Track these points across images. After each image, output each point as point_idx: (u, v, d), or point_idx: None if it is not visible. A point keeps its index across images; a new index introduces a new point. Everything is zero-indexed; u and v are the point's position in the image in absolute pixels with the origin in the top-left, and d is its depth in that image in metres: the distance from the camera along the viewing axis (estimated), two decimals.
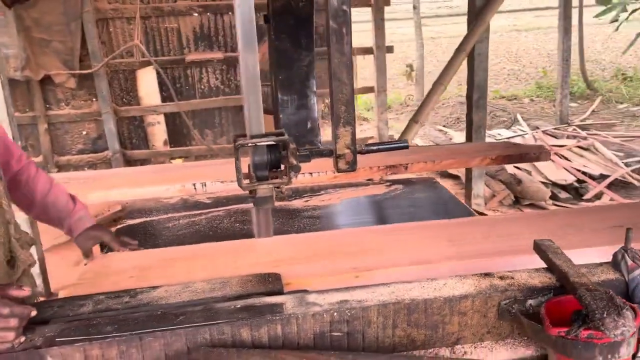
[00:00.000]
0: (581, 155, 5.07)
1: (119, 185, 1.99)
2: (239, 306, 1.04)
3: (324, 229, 1.82)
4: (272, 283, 1.20)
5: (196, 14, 5.26)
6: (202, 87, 5.48)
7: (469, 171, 3.97)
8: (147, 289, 1.16)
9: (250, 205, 2.09)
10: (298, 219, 1.92)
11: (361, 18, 6.82)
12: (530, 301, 1.07)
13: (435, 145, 2.66)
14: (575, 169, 4.69)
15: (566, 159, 4.93)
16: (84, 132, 5.32)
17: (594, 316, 0.92)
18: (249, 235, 1.78)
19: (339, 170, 1.51)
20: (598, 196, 4.28)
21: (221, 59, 5.34)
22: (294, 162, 1.44)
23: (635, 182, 4.39)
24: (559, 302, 1.05)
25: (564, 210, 1.97)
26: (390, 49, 5.67)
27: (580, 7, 8.12)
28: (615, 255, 1.12)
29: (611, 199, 4.17)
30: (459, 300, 1.05)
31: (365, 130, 6.72)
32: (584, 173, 4.61)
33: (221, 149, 5.38)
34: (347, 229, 1.71)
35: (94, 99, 5.17)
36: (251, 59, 1.43)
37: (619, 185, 4.37)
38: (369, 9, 5.68)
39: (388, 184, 2.14)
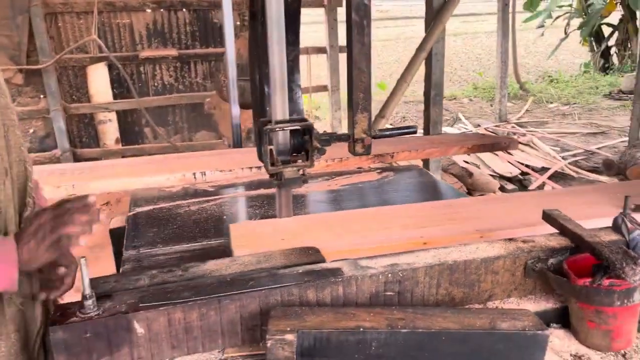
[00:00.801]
0: (522, 151, 5.45)
1: (120, 175, 1.99)
2: (300, 271, 1.12)
3: (335, 210, 1.92)
4: (313, 255, 1.28)
5: (149, 10, 5.18)
6: (156, 84, 5.39)
7: (426, 165, 4.20)
8: (196, 264, 1.21)
9: (255, 191, 2.16)
10: (307, 203, 2.00)
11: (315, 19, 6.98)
12: (551, 260, 1.23)
13: (417, 136, 2.83)
14: (518, 162, 5.05)
15: (509, 153, 5.29)
16: (31, 130, 5.09)
17: (614, 266, 1.08)
18: (264, 216, 1.84)
19: (356, 154, 1.62)
20: (541, 187, 4.64)
21: (175, 56, 5.28)
22: (318, 145, 1.54)
23: (573, 174, 4.80)
24: (576, 260, 1.21)
25: (551, 192, 2.12)
26: (343, 49, 5.83)
27: (513, 13, 8.69)
28: (615, 219, 1.30)
29: (553, 188, 4.53)
30: (493, 261, 1.19)
31: (319, 129, 6.84)
32: (527, 166, 4.98)
33: (180, 146, 5.32)
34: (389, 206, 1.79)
35: (42, 96, 4.96)
36: (279, 50, 1.50)
37: (558, 177, 4.76)
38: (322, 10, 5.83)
39: (379, 171, 2.26)
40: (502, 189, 4.66)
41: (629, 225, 1.27)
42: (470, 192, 4.58)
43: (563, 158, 5.21)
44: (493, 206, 1.69)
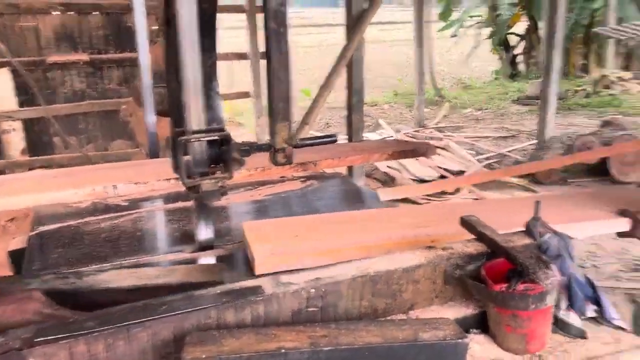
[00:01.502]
0: (440, 155, 5.64)
1: (22, 190, 1.82)
2: (218, 291, 1.07)
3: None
4: (215, 274, 1.22)
5: (57, 13, 4.87)
6: (66, 90, 5.08)
7: (350, 171, 4.24)
8: (92, 272, 1.13)
9: (174, 204, 2.05)
10: (230, 215, 1.93)
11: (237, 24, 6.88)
12: (469, 266, 1.25)
13: (340, 143, 2.83)
14: (437, 166, 5.22)
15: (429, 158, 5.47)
16: None
17: (528, 271, 1.12)
18: (182, 232, 1.75)
19: (277, 164, 1.58)
20: (458, 189, 4.81)
21: (87, 61, 5.00)
22: (237, 156, 1.48)
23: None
24: (493, 265, 1.24)
25: (474, 202, 2.22)
26: (264, 55, 5.78)
27: (429, 22, 9.03)
28: (528, 224, 1.35)
29: (470, 191, 4.72)
30: (414, 270, 1.19)
31: (242, 136, 6.74)
32: (445, 169, 5.15)
33: (94, 156, 5.03)
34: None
35: None
36: (193, 56, 1.43)
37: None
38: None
39: (302, 179, 2.24)
40: None
41: (541, 229, 1.32)
42: None
43: (478, 161, 5.44)
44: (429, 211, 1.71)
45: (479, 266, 1.24)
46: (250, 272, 1.32)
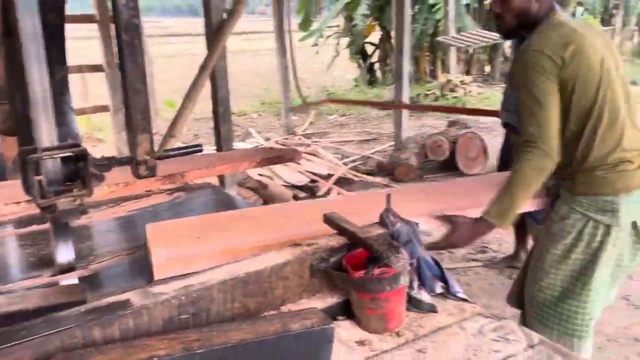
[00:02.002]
0: (309, 160, 5.86)
1: None
2: (83, 310, 1.04)
3: (123, 239, 1.81)
4: (77, 294, 1.19)
5: None
6: None
7: (222, 181, 4.24)
8: None
9: (26, 228, 1.90)
10: (92, 234, 1.85)
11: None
12: (332, 258, 1.35)
13: (208, 154, 2.82)
14: (307, 171, 5.41)
15: (298, 163, 5.64)
16: None
17: (382, 256, 1.24)
18: (38, 257, 1.64)
19: (140, 177, 1.55)
20: (328, 192, 5.04)
21: None
22: (96, 171, 1.43)
23: (354, 177, 5.32)
24: (353, 255, 1.35)
25: (337, 199, 2.34)
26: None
27: (289, 32, 9.29)
28: (381, 215, 1.49)
29: (339, 193, 4.96)
30: (282, 267, 1.26)
31: (103, 152, 6.37)
32: (314, 174, 5.36)
33: None
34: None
35: None
36: (39, 69, 1.36)
37: (342, 181, 5.22)
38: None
39: (169, 192, 2.21)
40: (296, 197, 4.94)
41: (392, 219, 1.46)
42: (266, 203, 4.75)
43: (344, 164, 5.74)
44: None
45: (341, 257, 1.34)
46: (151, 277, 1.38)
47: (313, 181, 5.24)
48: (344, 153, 6.28)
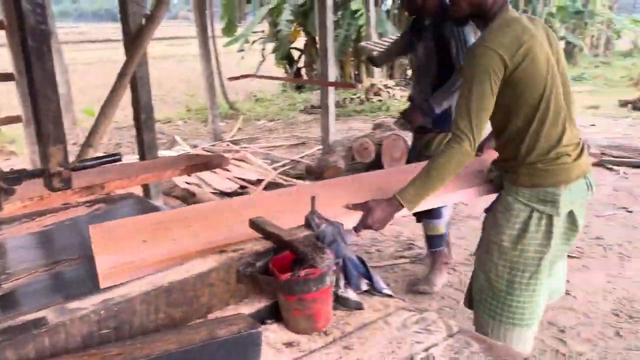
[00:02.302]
0: (238, 166, 5.81)
1: None
2: None
3: (39, 255, 1.71)
4: None
5: None
6: None
7: (146, 192, 4.12)
8: None
9: None
10: (4, 252, 1.74)
11: None
12: (259, 263, 1.35)
13: (130, 163, 2.73)
14: (236, 177, 5.36)
15: (227, 169, 5.58)
16: None
17: (307, 258, 1.26)
18: None
19: (54, 190, 1.48)
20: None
21: None
22: (5, 185, 1.36)
23: (283, 182, 5.33)
24: (279, 258, 1.36)
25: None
26: None
27: (213, 37, 9.18)
28: (306, 217, 1.51)
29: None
30: (208, 274, 1.25)
31: (17, 165, 6.00)
32: (243, 180, 5.32)
33: None
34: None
35: None
36: None
37: (272, 186, 5.21)
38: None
39: (88, 204, 2.12)
40: None
41: (317, 221, 1.49)
42: None
43: (274, 169, 5.74)
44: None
45: (267, 261, 1.35)
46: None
47: (243, 187, 5.20)
48: (273, 158, 6.28)
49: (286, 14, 10.80)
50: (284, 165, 5.96)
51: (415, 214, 2.72)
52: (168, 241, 1.53)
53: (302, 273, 1.26)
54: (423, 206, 1.86)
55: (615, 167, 5.51)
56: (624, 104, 9.13)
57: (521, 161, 1.82)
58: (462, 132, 1.74)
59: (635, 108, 8.82)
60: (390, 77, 11.73)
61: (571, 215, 1.85)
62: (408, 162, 3.45)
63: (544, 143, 1.79)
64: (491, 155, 2.13)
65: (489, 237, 1.94)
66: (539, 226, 1.82)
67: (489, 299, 1.93)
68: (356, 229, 1.80)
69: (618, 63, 15.31)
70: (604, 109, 8.90)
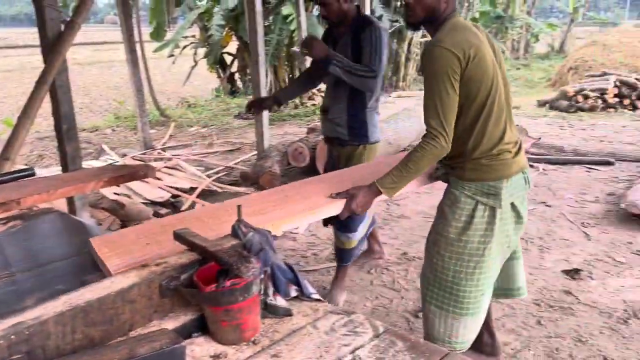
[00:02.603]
0: (170, 174, 5.67)
1: None
2: None
3: None
4: None
5: None
6: None
7: (71, 205, 3.94)
8: None
9: None
10: None
11: None
12: (183, 276, 1.33)
13: (50, 176, 2.59)
14: (168, 186, 5.23)
15: (159, 179, 5.43)
16: None
17: (232, 268, 1.25)
18: None
19: None
20: (192, 206, 4.92)
21: None
22: None
23: (218, 189, 5.25)
24: (204, 270, 1.34)
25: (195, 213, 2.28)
26: None
27: (141, 42, 8.92)
28: (233, 227, 1.49)
29: (203, 206, 4.86)
30: (128, 291, 1.21)
31: None
32: (176, 188, 5.19)
33: None
34: None
35: None
36: None
37: (206, 194, 5.13)
38: None
39: (3, 221, 2.00)
40: (157, 214, 4.74)
41: (244, 229, 1.48)
42: (124, 224, 4.50)
43: (208, 176, 5.64)
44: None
45: (192, 274, 1.33)
46: None
47: (175, 196, 5.08)
48: (207, 165, 6.18)
49: (217, 19, 10.64)
50: (217, 172, 5.87)
51: (324, 219, 2.74)
52: (171, 242, 1.51)
53: (228, 283, 1.25)
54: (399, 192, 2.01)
55: (535, 164, 5.83)
56: (542, 103, 9.69)
57: (467, 158, 1.95)
58: (435, 129, 1.85)
59: (552, 107, 9.38)
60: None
61: (514, 207, 2.00)
62: (326, 172, 3.22)
63: (488, 140, 1.92)
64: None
65: (437, 230, 2.05)
66: (482, 218, 1.95)
67: (436, 290, 2.04)
68: (342, 215, 1.95)
69: (536, 65, 16.23)
70: (524, 109, 9.40)
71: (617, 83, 9.22)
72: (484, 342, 2.45)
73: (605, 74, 9.89)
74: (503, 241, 2.02)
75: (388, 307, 3.05)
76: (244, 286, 1.27)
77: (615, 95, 9.12)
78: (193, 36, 11.90)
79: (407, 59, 12.67)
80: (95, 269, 1.50)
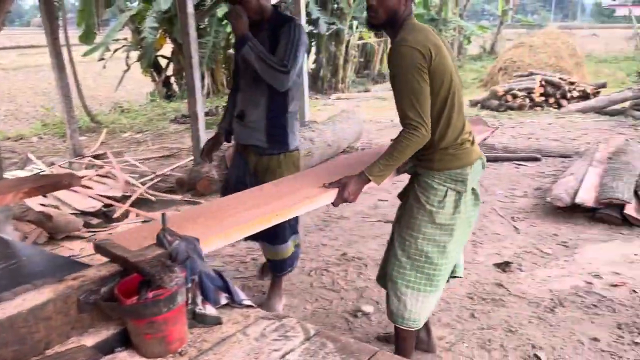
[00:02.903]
0: (102, 183, 5.44)
1: None
2: None
3: None
4: None
5: None
6: None
7: None
8: None
9: None
10: None
11: None
12: (103, 289, 1.27)
13: None
14: (99, 195, 5.02)
15: (89, 187, 5.21)
16: None
17: (154, 278, 1.21)
18: None
19: None
20: (125, 215, 4.75)
21: None
22: None
23: (152, 198, 5.10)
24: (126, 282, 1.29)
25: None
26: None
27: (68, 45, 8.54)
28: (158, 236, 1.44)
29: (137, 215, 4.70)
30: (43, 308, 1.14)
31: None
32: (108, 197, 5.00)
33: None
34: None
35: None
36: None
37: (141, 203, 4.96)
38: None
39: None
40: (88, 224, 4.55)
41: (169, 238, 1.43)
42: (52, 236, 4.29)
43: (142, 184, 5.46)
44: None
45: (113, 286, 1.27)
46: None
47: (108, 205, 4.89)
48: (142, 172, 5.98)
49: (150, 21, 10.35)
50: (152, 180, 5.69)
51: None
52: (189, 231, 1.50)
53: (150, 295, 1.21)
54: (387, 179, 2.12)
55: None
56: (474, 103, 10.06)
57: (435, 149, 2.08)
58: (415, 120, 1.96)
59: (483, 107, 9.76)
60: None
61: (474, 191, 2.17)
62: (227, 184, 3.00)
63: (453, 131, 2.06)
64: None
65: (411, 215, 2.16)
66: (451, 202, 2.11)
67: (408, 271, 2.16)
68: (335, 204, 2.05)
69: (469, 66, 16.83)
70: None
71: (543, 82, 9.71)
72: (420, 339, 2.51)
73: (532, 74, 10.38)
74: (467, 221, 2.19)
75: (328, 308, 3.06)
76: (168, 297, 1.23)
77: (542, 95, 9.61)
78: (125, 39, 11.52)
79: (346, 61, 12.83)
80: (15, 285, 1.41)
